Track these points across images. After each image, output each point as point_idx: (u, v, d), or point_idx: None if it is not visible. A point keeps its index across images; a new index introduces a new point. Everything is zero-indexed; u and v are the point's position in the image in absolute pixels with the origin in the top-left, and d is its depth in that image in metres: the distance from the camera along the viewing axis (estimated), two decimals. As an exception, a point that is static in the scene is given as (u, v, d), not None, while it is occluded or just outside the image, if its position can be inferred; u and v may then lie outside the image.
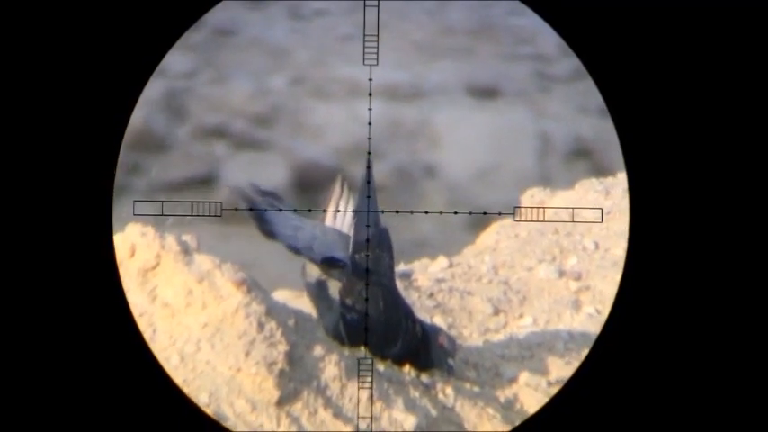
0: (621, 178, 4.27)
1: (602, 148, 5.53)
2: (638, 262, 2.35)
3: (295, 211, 2.68)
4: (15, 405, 2.24)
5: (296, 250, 2.57)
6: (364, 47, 2.51)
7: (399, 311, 2.67)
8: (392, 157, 5.48)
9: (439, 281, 3.53)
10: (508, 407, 2.68)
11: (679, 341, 2.32)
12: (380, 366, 2.58)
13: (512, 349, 3.03)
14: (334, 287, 2.62)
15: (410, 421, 2.44)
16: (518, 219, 2.70)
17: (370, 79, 2.57)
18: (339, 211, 2.73)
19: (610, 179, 4.41)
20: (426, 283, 3.51)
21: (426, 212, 2.80)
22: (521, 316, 3.36)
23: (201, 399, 2.32)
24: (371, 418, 2.41)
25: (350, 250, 2.62)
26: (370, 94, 2.60)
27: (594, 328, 3.15)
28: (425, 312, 3.26)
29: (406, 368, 2.65)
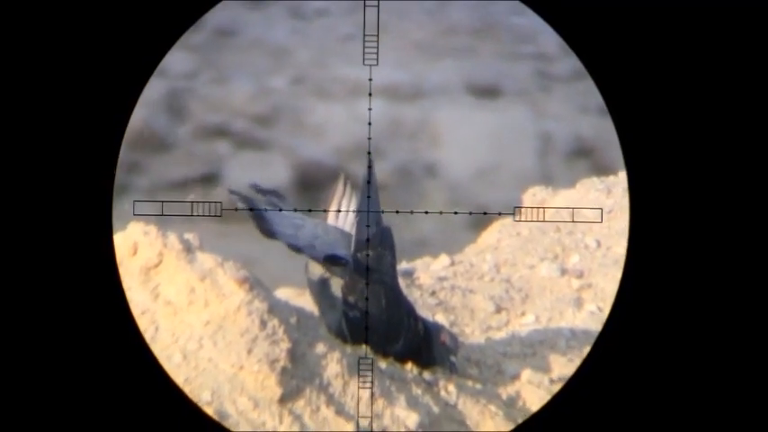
0: (622, 177, 4.27)
1: (602, 147, 5.53)
2: (639, 260, 2.36)
3: (295, 209, 2.68)
4: (16, 405, 2.24)
5: (297, 249, 2.58)
6: (364, 47, 2.51)
7: (401, 309, 2.68)
8: (393, 157, 5.49)
9: (441, 279, 3.54)
10: (510, 404, 2.69)
11: (680, 339, 2.32)
12: (383, 364, 2.58)
13: (514, 347, 3.04)
14: (337, 285, 2.62)
15: (412, 419, 2.44)
16: (518, 219, 2.70)
17: (370, 79, 2.57)
18: (340, 210, 2.74)
19: (611, 178, 4.41)
20: (428, 281, 3.52)
21: (426, 212, 2.80)
22: (523, 314, 3.36)
23: (204, 397, 2.32)
24: (372, 417, 2.41)
25: (352, 248, 2.62)
26: (370, 95, 2.61)
27: (596, 325, 3.15)
28: (427, 310, 3.27)
29: (409, 366, 2.65)
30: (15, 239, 2.30)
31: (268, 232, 2.57)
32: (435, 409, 2.53)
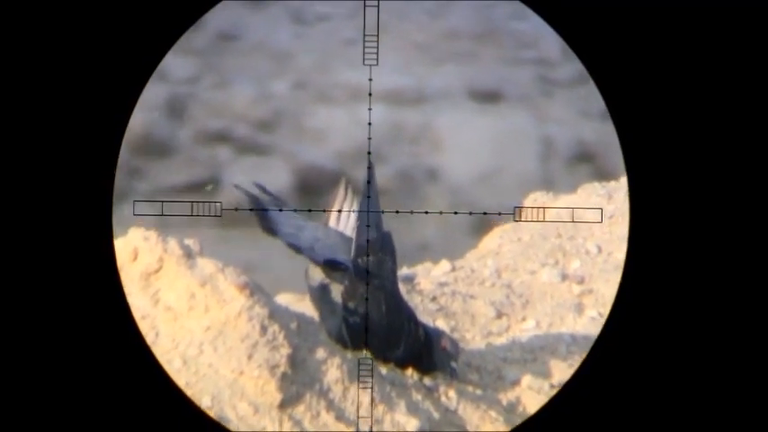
0: (624, 182, 4.27)
1: (604, 152, 5.53)
2: (639, 265, 2.35)
3: (295, 211, 2.68)
4: (17, 408, 2.24)
5: (297, 249, 2.58)
6: (364, 47, 2.51)
7: (402, 315, 2.67)
8: (394, 161, 5.49)
9: (441, 284, 3.53)
10: (511, 410, 2.69)
11: (679, 344, 2.32)
12: (383, 369, 2.58)
13: (514, 352, 3.03)
14: (337, 291, 2.62)
15: (413, 424, 2.44)
16: (518, 219, 2.70)
17: (370, 79, 2.57)
18: (341, 211, 2.74)
19: (612, 183, 4.40)
20: (429, 286, 3.52)
21: (426, 212, 2.80)
22: (523, 319, 3.36)
23: (204, 402, 2.32)
24: (372, 418, 2.41)
25: (352, 253, 2.62)
26: (370, 94, 2.61)
27: (597, 331, 3.14)
28: (428, 316, 3.26)
29: (409, 371, 2.65)
30: (16, 245, 2.29)
31: (269, 230, 2.57)
32: (436, 415, 2.53)
